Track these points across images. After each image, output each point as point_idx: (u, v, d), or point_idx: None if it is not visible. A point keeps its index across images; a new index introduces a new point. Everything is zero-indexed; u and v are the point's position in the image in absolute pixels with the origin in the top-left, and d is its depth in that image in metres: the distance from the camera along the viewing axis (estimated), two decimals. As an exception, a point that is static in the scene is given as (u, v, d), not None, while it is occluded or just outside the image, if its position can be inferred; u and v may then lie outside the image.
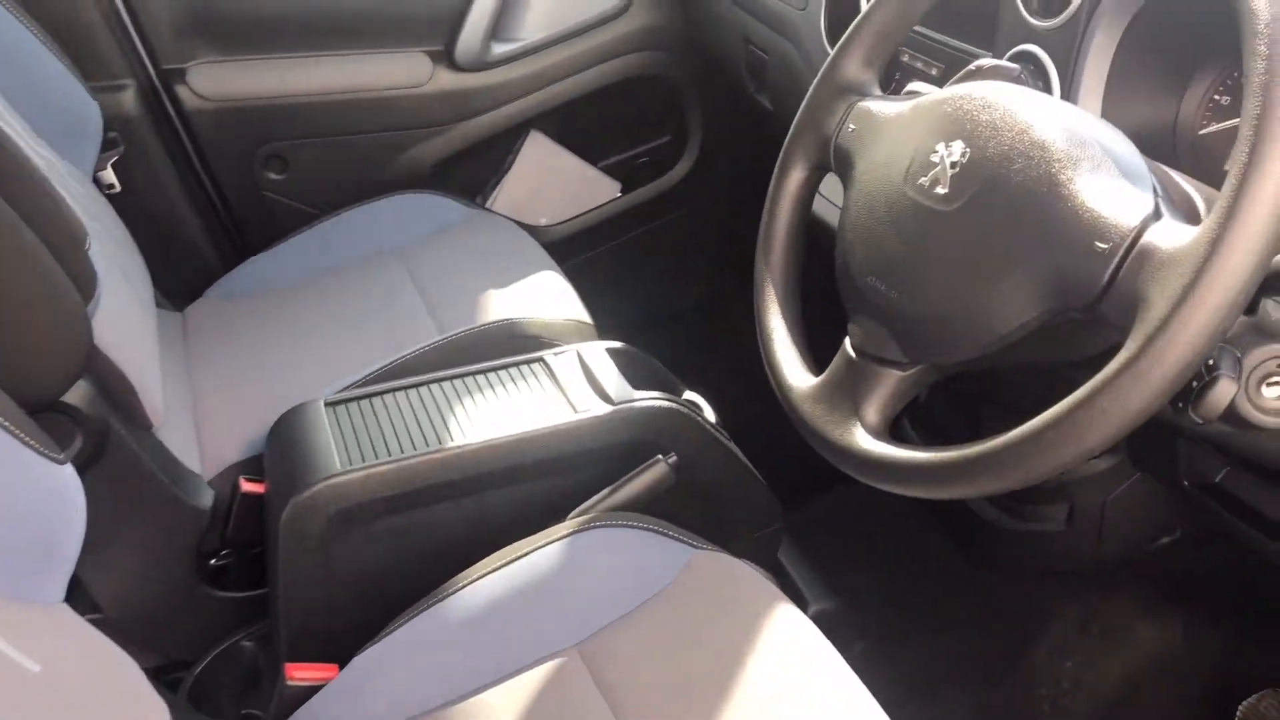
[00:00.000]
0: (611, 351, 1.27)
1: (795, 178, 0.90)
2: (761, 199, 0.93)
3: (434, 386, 1.20)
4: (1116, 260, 0.63)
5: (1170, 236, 0.61)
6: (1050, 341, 0.70)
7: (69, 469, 0.81)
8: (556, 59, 1.84)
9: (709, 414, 1.25)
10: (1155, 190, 0.67)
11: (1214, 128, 0.96)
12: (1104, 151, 0.68)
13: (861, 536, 1.65)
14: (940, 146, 0.74)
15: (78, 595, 1.13)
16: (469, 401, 1.17)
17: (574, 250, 1.96)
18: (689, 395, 1.28)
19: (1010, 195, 0.69)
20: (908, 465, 0.71)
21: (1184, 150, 0.98)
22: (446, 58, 1.78)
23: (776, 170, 0.91)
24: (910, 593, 1.57)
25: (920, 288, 0.73)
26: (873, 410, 0.77)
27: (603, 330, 1.45)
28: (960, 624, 1.53)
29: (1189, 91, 0.98)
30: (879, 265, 0.77)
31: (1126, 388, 0.59)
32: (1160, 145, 0.99)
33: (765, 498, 1.26)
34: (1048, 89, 0.99)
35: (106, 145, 1.49)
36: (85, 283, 1.02)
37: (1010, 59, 1.04)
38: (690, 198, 2.07)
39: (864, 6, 1.25)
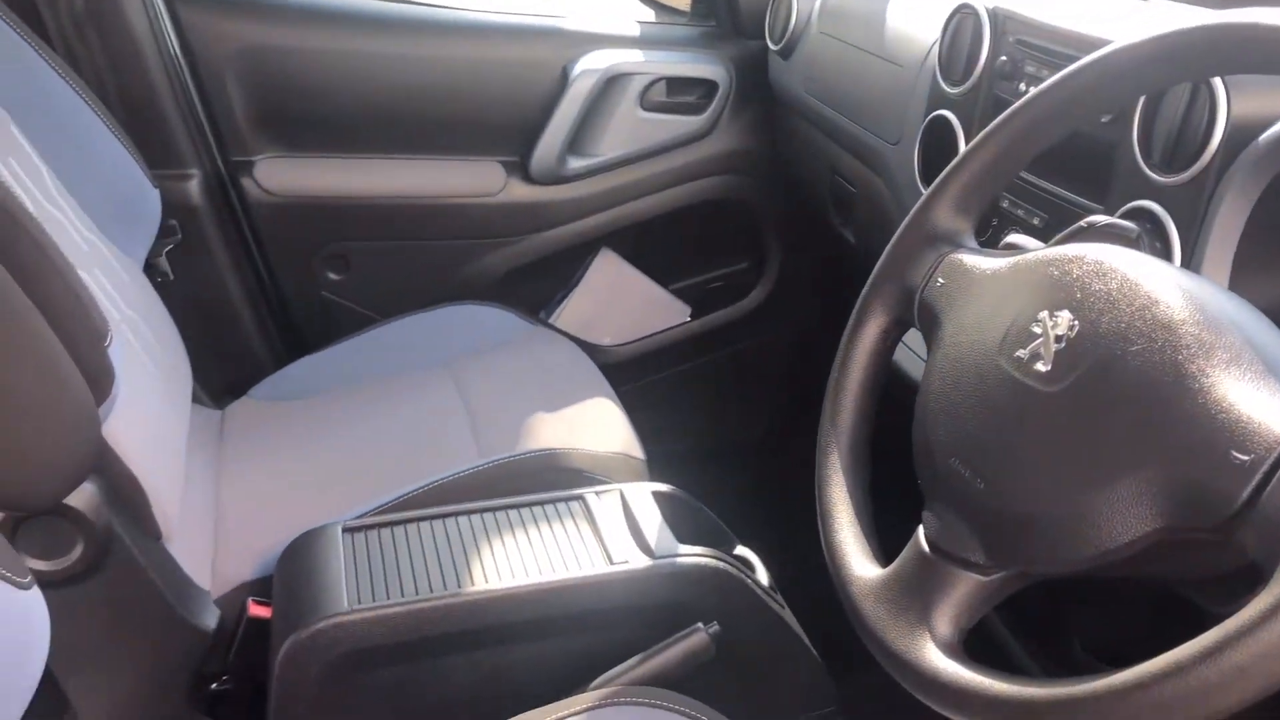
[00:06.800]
0: (658, 496, 1.16)
1: (872, 330, 0.79)
2: (837, 338, 0.82)
3: (461, 519, 1.10)
4: (1259, 477, 0.51)
5: None
6: (1158, 557, 0.58)
7: (34, 593, 0.73)
8: (634, 177, 1.78)
9: (761, 574, 1.13)
10: None
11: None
12: (1244, 340, 0.57)
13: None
14: (1044, 315, 0.64)
15: (65, 715, 1.04)
16: (496, 541, 1.07)
17: (634, 374, 1.87)
18: (740, 550, 1.17)
19: (1126, 383, 0.58)
20: (982, 697, 0.59)
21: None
22: (521, 169, 1.73)
23: (853, 320, 0.80)
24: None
25: (1012, 480, 0.62)
26: (945, 619, 0.64)
27: (655, 465, 1.35)
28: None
29: (1329, 267, 0.87)
30: (964, 447, 0.65)
31: (1270, 640, 0.47)
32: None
33: (819, 676, 1.13)
34: (1165, 253, 0.88)
35: (164, 232, 1.45)
36: (100, 380, 0.95)
37: (1124, 215, 0.93)
38: (762, 329, 1.97)
39: (962, 147, 1.17)
